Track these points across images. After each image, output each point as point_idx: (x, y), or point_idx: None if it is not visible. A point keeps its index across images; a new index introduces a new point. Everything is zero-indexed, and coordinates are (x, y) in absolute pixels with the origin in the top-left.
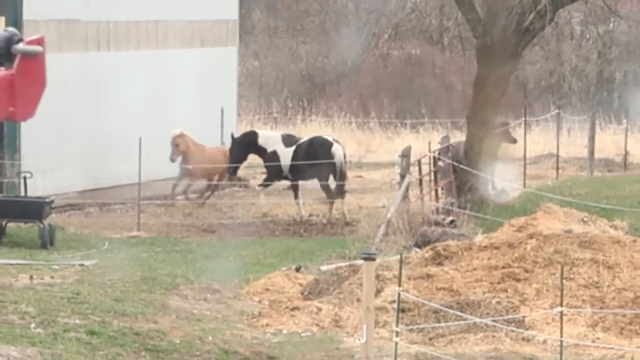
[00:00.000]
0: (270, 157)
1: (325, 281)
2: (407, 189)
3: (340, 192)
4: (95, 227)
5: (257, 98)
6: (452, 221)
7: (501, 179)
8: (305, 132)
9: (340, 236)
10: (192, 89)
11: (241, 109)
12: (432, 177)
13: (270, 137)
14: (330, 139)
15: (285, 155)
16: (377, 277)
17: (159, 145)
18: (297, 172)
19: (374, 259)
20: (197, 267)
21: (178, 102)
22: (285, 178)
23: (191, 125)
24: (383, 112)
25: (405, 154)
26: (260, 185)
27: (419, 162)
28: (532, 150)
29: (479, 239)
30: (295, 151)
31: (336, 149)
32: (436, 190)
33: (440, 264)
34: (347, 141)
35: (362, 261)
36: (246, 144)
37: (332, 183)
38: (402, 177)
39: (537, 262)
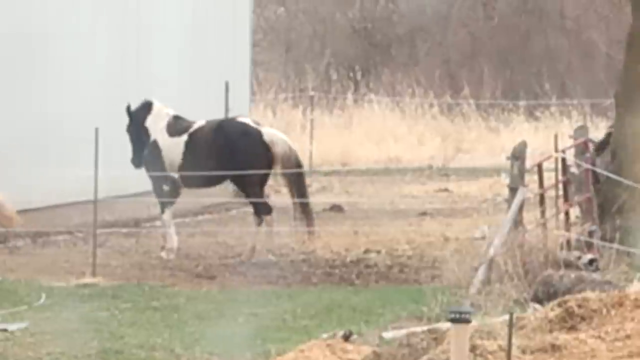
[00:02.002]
0: (150, 152)
1: (391, 356)
2: (520, 210)
3: (307, 214)
4: (25, 271)
5: (283, 66)
6: (592, 261)
7: None
8: (360, 118)
9: (415, 284)
10: (179, 51)
11: (257, 83)
12: (561, 192)
13: (160, 115)
14: (250, 122)
15: (170, 149)
16: (474, 349)
17: (126, 141)
18: (191, 176)
19: (468, 321)
20: (187, 334)
21: (156, 74)
22: (174, 186)
23: (177, 109)
24: (482, 88)
25: (518, 155)
26: (162, 208)
27: (540, 167)
28: None
29: (636, 288)
30: (189, 141)
31: (272, 136)
32: (567, 212)
33: (573, 328)
34: (426, 135)
35: (449, 324)
36: (141, 122)
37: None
38: (513, 191)
39: None
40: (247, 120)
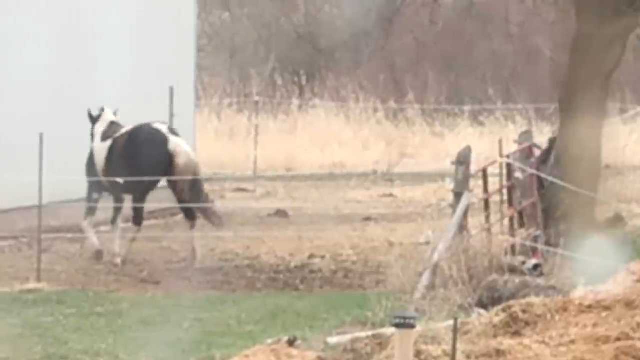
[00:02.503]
0: (88, 157)
1: None
2: (465, 215)
3: (192, 217)
4: None
5: (228, 71)
6: (536, 266)
7: (611, 199)
8: (304, 123)
9: (360, 290)
10: (123, 56)
11: (202, 88)
12: (506, 197)
13: (104, 120)
14: (163, 128)
15: (98, 154)
16: (418, 354)
17: (70, 145)
18: (113, 184)
19: (412, 326)
20: (131, 340)
21: (100, 77)
22: (101, 191)
23: (121, 114)
24: (427, 93)
25: (463, 160)
26: (86, 212)
27: (485, 172)
28: None
29: (580, 294)
30: (110, 148)
31: (177, 146)
32: (511, 218)
33: (517, 333)
34: (370, 140)
35: (393, 329)
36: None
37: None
38: (458, 196)
39: None
40: (160, 126)
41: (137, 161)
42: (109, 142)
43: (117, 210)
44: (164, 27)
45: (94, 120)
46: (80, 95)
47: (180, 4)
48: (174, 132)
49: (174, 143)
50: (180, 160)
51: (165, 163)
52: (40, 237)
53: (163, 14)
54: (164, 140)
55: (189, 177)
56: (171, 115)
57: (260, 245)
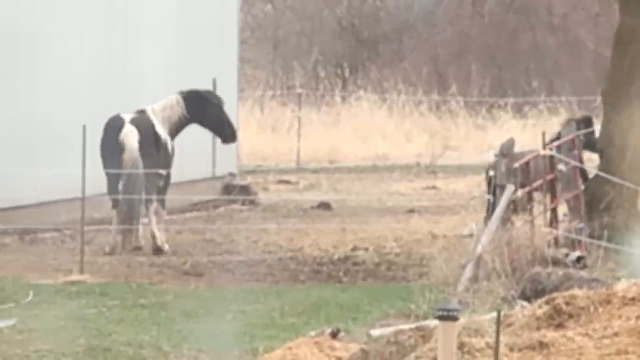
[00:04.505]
0: None
1: (379, 353)
2: (508, 207)
3: (130, 212)
4: (12, 268)
5: (271, 64)
6: (579, 258)
7: None
8: (347, 115)
9: (403, 282)
10: (166, 49)
11: (245, 80)
12: (549, 189)
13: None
14: (125, 116)
15: None
16: (461, 346)
17: None
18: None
19: (456, 319)
20: (174, 331)
21: (143, 70)
22: None
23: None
24: (470, 86)
25: (506, 152)
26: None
27: (528, 165)
28: None
29: (623, 286)
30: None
31: (126, 135)
32: (554, 210)
33: (561, 325)
34: (414, 132)
35: (436, 322)
36: None
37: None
38: (501, 188)
39: None
40: (124, 114)
41: (103, 152)
42: None
43: (147, 202)
44: (207, 19)
45: None
46: (124, 88)
47: None
48: (136, 123)
49: (124, 133)
50: (125, 157)
51: (119, 152)
52: (83, 229)
53: (206, 6)
54: (119, 128)
55: (127, 171)
56: None
57: (304, 237)
